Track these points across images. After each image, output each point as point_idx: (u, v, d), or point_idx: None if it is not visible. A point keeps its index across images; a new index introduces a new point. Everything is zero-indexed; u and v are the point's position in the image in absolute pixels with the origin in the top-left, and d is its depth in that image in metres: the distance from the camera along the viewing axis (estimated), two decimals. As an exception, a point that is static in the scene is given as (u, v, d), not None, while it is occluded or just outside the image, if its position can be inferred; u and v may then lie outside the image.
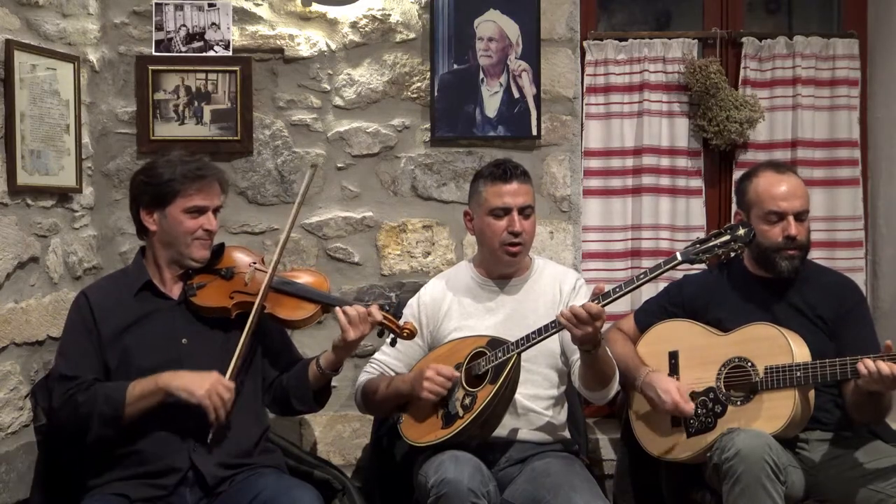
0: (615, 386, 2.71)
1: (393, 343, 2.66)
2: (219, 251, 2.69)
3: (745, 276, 2.89)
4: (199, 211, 2.58)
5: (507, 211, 2.73)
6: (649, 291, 3.27)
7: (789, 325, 2.73)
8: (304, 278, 2.69)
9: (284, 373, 2.72)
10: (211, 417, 2.40)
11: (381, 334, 2.62)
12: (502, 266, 2.81)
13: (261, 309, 2.55)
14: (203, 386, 2.39)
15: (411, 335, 2.62)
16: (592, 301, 2.45)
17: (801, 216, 2.79)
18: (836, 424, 2.73)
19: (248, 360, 2.61)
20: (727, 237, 2.48)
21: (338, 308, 2.56)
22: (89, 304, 2.57)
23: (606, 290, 2.49)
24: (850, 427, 2.73)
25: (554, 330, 2.55)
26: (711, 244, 2.48)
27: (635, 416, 2.88)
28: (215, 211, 2.63)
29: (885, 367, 2.46)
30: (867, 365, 2.48)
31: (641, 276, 2.50)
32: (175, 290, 2.62)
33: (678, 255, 2.50)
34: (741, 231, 2.47)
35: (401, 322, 2.63)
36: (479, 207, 2.78)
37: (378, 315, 2.55)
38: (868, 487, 2.57)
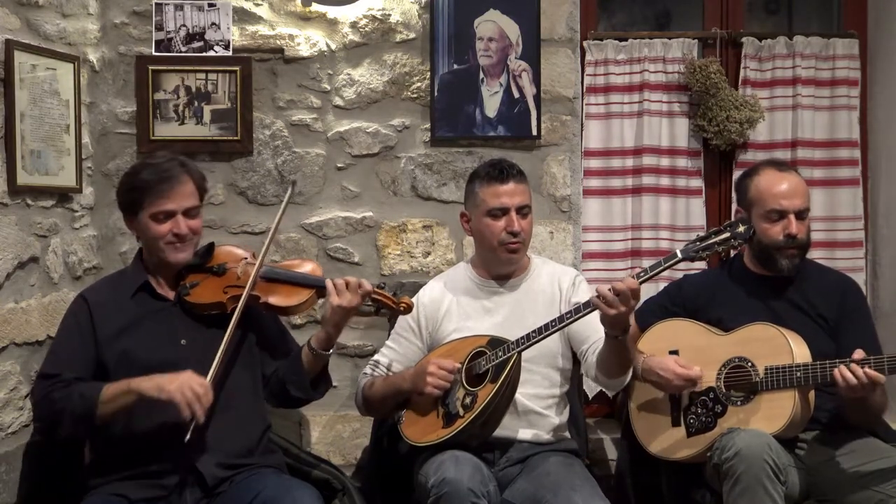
0: (629, 374, 2.71)
1: (391, 319, 2.64)
2: (209, 250, 2.68)
3: (746, 275, 2.90)
4: (167, 215, 2.53)
5: (504, 211, 2.73)
6: (650, 291, 3.27)
7: (790, 323, 2.74)
8: (296, 266, 2.69)
9: (281, 363, 2.71)
10: (184, 413, 2.32)
11: (377, 312, 2.60)
12: (501, 265, 2.81)
13: (252, 298, 2.55)
14: (174, 381, 2.35)
15: (408, 309, 2.61)
16: (632, 278, 2.42)
17: (802, 214, 2.79)
18: (835, 425, 2.73)
19: (241, 352, 2.61)
20: (727, 234, 2.47)
21: (327, 280, 2.55)
22: (88, 306, 2.56)
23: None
24: (850, 427, 2.73)
25: (554, 329, 2.56)
26: (711, 241, 2.48)
27: (636, 417, 2.89)
28: (188, 212, 2.57)
29: (859, 373, 2.48)
30: (842, 372, 2.50)
31: (641, 274, 2.47)
32: (171, 292, 2.62)
33: (678, 252, 2.49)
34: (741, 228, 2.47)
35: (396, 298, 2.60)
36: (477, 209, 2.78)
37: (368, 285, 2.54)
38: (868, 488, 2.57)
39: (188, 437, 2.36)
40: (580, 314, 2.53)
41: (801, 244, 2.79)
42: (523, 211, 2.76)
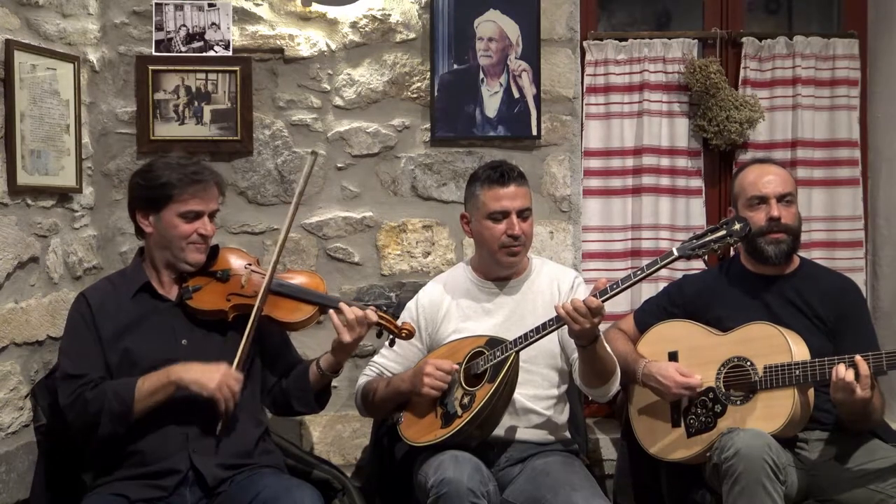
0: (616, 383, 2.71)
1: (391, 343, 2.67)
2: (213, 253, 2.68)
3: (744, 275, 2.90)
4: (195, 215, 2.57)
5: (505, 214, 2.73)
6: (649, 292, 3.28)
7: (788, 322, 2.74)
8: (300, 279, 2.68)
9: (284, 375, 2.72)
10: (221, 409, 2.43)
11: (379, 335, 2.63)
12: (502, 268, 2.81)
13: (260, 312, 2.55)
14: (214, 379, 2.42)
15: (410, 335, 2.62)
16: (593, 296, 2.46)
17: (783, 199, 2.81)
18: (835, 424, 2.73)
19: (247, 362, 2.61)
20: (723, 232, 2.49)
21: (332, 311, 2.56)
22: (89, 306, 2.56)
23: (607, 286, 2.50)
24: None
25: (552, 328, 2.56)
26: (707, 239, 2.49)
27: (635, 417, 2.89)
28: (211, 215, 2.62)
29: (842, 370, 2.50)
30: (837, 370, 2.51)
31: (638, 273, 2.51)
32: (173, 292, 2.62)
33: (674, 250, 2.51)
34: (737, 226, 2.49)
35: (399, 322, 2.63)
36: (477, 211, 2.78)
37: (374, 317, 2.55)
38: (868, 487, 2.57)
39: (219, 428, 2.47)
40: (555, 326, 2.55)
41: (787, 228, 2.80)
42: (524, 214, 2.76)
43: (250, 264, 2.67)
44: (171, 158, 2.63)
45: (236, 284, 2.61)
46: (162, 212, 2.56)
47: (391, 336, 2.62)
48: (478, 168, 2.89)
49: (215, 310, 2.57)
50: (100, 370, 2.50)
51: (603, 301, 2.47)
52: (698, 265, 3.31)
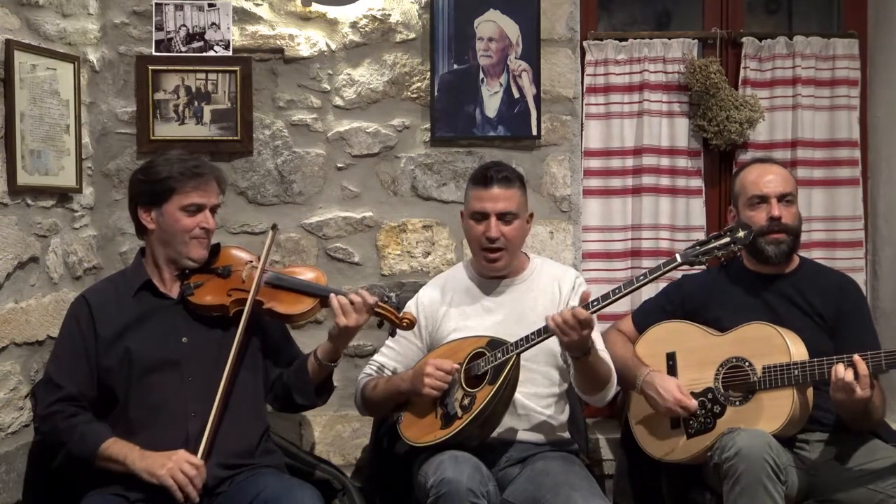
0: (612, 390, 2.72)
1: (392, 334, 2.66)
2: (215, 250, 2.69)
3: (744, 274, 2.90)
4: (197, 209, 2.58)
5: (484, 216, 2.73)
6: (649, 291, 3.27)
7: (788, 320, 2.75)
8: (301, 273, 2.69)
9: (286, 369, 2.72)
10: (177, 496, 2.32)
11: (380, 325, 2.62)
12: (485, 269, 2.82)
13: (255, 303, 2.55)
14: (165, 465, 2.34)
15: (411, 325, 2.62)
16: (581, 307, 2.46)
17: (784, 199, 2.82)
18: (835, 425, 2.73)
19: (245, 356, 2.61)
20: (727, 239, 2.50)
21: (332, 294, 2.56)
22: (88, 307, 2.57)
23: (595, 297, 2.50)
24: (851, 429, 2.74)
25: (550, 333, 2.55)
26: (711, 246, 2.50)
27: (635, 419, 2.89)
28: (213, 210, 2.63)
29: (840, 370, 2.50)
30: (836, 370, 2.51)
31: (640, 279, 2.52)
32: (174, 290, 2.62)
33: (678, 256, 2.52)
34: (741, 233, 2.49)
35: (399, 313, 2.62)
36: (466, 210, 2.82)
37: (371, 300, 2.54)
38: (868, 487, 2.58)
39: None
40: None
41: (787, 228, 2.81)
42: (506, 218, 2.74)
43: (251, 260, 2.68)
44: (171, 155, 2.64)
45: (237, 280, 2.62)
46: (164, 206, 2.57)
47: (392, 327, 2.62)
48: (476, 167, 2.91)
49: (216, 305, 2.58)
50: (79, 384, 2.50)
51: (594, 312, 2.47)
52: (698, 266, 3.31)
